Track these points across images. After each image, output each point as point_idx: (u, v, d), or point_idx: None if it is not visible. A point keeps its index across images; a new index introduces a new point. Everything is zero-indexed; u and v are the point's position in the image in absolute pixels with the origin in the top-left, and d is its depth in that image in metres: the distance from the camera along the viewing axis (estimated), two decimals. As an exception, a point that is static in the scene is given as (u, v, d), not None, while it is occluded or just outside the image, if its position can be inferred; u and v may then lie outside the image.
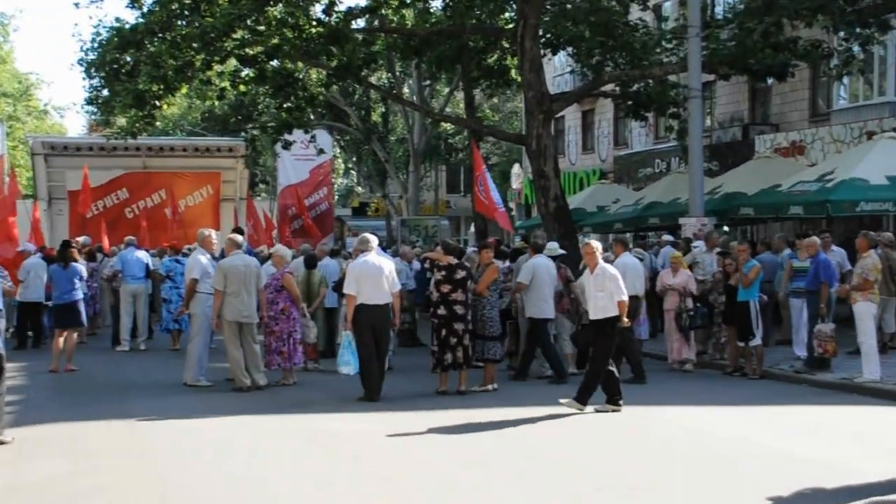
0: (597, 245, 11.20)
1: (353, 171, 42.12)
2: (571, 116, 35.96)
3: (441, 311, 12.17)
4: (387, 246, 27.21)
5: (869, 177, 16.43)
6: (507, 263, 14.56)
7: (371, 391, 11.79)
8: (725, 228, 19.15)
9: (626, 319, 10.90)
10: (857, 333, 12.68)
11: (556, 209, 19.62)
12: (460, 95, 29.18)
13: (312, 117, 30.72)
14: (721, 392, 12.60)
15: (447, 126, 35.43)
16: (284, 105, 23.35)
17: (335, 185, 40.28)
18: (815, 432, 9.87)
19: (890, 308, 14.20)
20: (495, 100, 42.16)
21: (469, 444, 9.31)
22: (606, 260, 11.87)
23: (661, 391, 12.81)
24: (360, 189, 47.20)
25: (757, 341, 13.66)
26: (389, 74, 32.23)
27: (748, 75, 21.41)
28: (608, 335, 10.88)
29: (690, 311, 14.51)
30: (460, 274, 12.21)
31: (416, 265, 17.91)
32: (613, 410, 10.87)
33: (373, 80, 30.03)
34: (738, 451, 8.92)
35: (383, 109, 34.63)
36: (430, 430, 9.88)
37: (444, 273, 12.23)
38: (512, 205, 39.93)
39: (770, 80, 25.28)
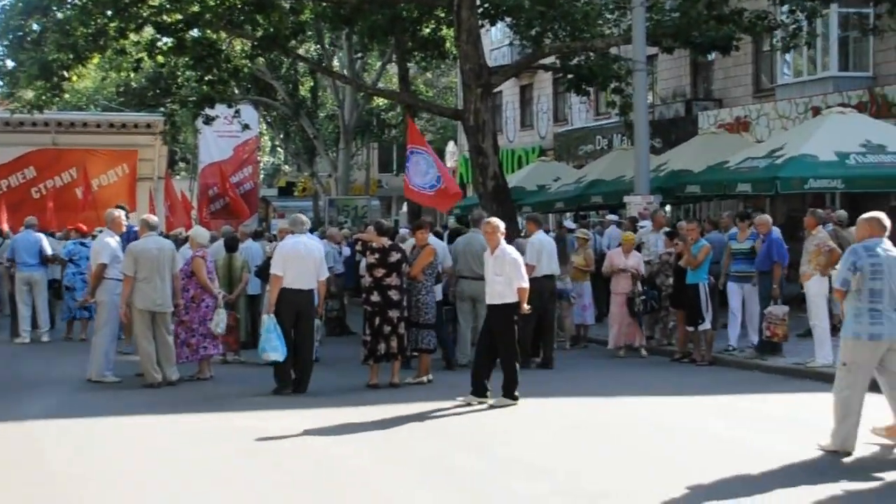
0: (498, 223, 10.65)
1: (279, 149, 41.19)
2: (509, 92, 35.62)
3: (374, 297, 11.61)
4: (314, 228, 26.63)
5: (818, 153, 16.29)
6: (444, 244, 14.11)
7: (285, 383, 11.33)
8: (668, 207, 18.91)
9: (525, 307, 10.38)
10: (809, 315, 12.40)
11: (495, 188, 19.18)
12: (394, 70, 28.55)
13: (237, 91, 29.93)
14: (672, 380, 12.24)
15: (380, 101, 34.78)
16: (206, 78, 22.51)
17: (261, 164, 39.41)
18: (777, 422, 9.50)
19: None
20: (430, 74, 41.61)
21: (400, 444, 8.80)
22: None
23: (608, 380, 12.40)
24: (287, 168, 46.30)
25: (706, 326, 13.32)
26: (318, 46, 31.47)
27: (692, 48, 21.17)
28: (509, 322, 10.39)
29: (642, 294, 14.12)
30: (395, 257, 11.66)
31: (346, 249, 17.30)
32: (479, 402, 10.34)
33: (301, 52, 29.20)
34: (698, 445, 8.52)
35: (312, 83, 33.84)
36: (358, 429, 9.37)
37: (377, 256, 11.66)
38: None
39: (713, 55, 25.28)
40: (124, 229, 13.13)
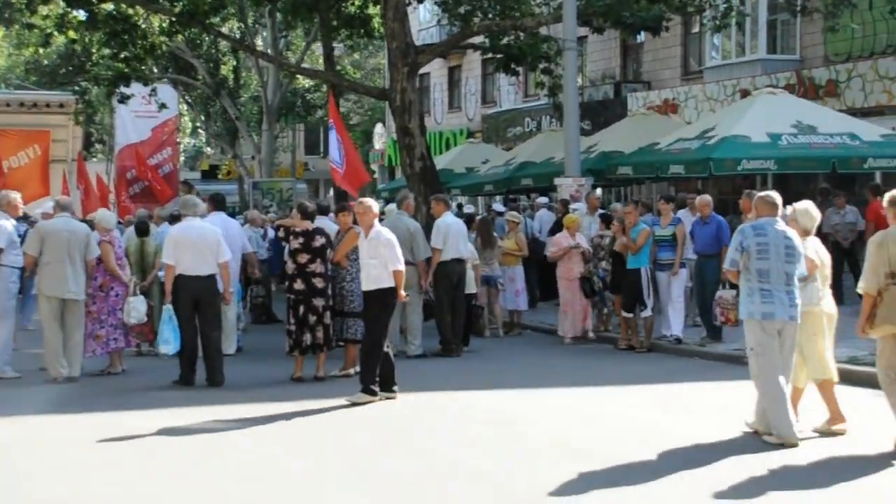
0: (371, 203, 9.98)
1: (201, 131, 40.07)
2: (437, 73, 35.20)
3: (298, 284, 10.99)
4: (239, 211, 25.88)
5: (750, 134, 15.97)
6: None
7: (186, 376, 10.75)
8: (598, 190, 18.61)
9: (402, 294, 9.79)
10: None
11: (423, 169, 18.67)
12: (320, 50, 27.78)
13: (156, 70, 28.85)
14: (610, 369, 11.83)
15: (304, 81, 33.96)
16: (121, 55, 21.51)
17: (182, 146, 38.30)
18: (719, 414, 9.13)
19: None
20: (357, 56, 40.85)
21: (322, 444, 8.21)
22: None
23: (544, 369, 11.96)
24: (209, 150, 45.16)
25: (648, 312, 12.93)
26: (241, 24, 30.51)
27: (622, 29, 20.90)
28: (384, 308, 9.74)
29: (595, 272, 13.80)
30: (319, 241, 11.04)
31: (271, 232, 16.61)
32: (387, 398, 9.72)
33: (224, 30, 28.22)
34: (626, 435, 8.10)
35: (234, 62, 32.85)
36: (277, 427, 8.78)
37: (300, 241, 11.03)
38: (374, 167, 39.33)
39: (642, 37, 25.14)
40: (21, 212, 12.24)
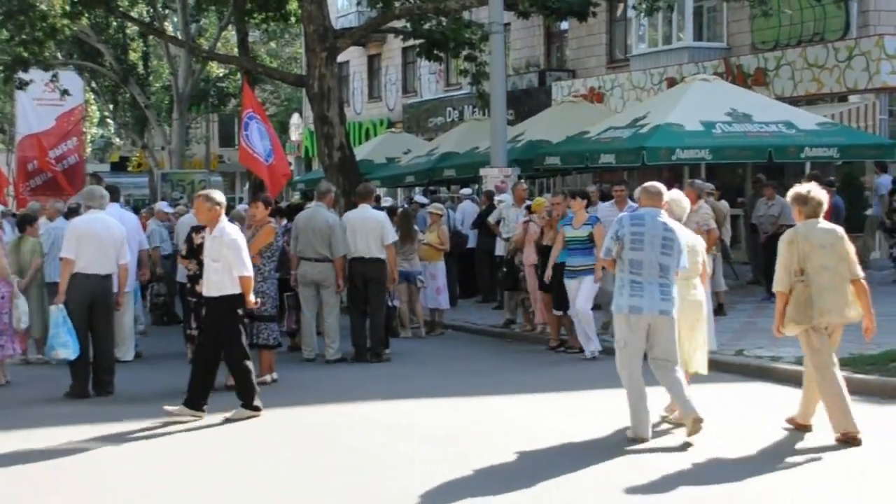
0: (215, 196, 8.58)
1: (109, 121, 38.46)
2: (357, 62, 34.50)
3: (199, 286, 9.78)
4: (146, 204, 24.52)
5: (684, 122, 15.39)
6: (285, 223, 12.64)
7: (80, 386, 9.65)
8: (523, 183, 17.86)
9: (251, 299, 8.47)
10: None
11: (342, 160, 17.81)
12: (234, 38, 26.56)
13: (60, 56, 27.33)
14: (543, 372, 10.89)
15: (217, 69, 32.66)
16: (18, 37, 20.03)
17: (89, 136, 36.68)
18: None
19: (718, 266, 12.93)
20: (274, 44, 39.69)
21: (228, 463, 7.15)
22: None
23: (469, 374, 10.98)
24: (118, 141, 43.44)
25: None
26: (150, 8, 29.11)
27: (548, 14, 20.22)
28: (231, 318, 8.49)
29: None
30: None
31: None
32: (193, 416, 8.47)
33: (131, 14, 26.71)
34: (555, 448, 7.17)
35: (143, 48, 31.37)
36: (176, 443, 7.78)
37: (203, 235, 9.86)
38: (291, 158, 38.10)
39: (567, 24, 24.50)
40: None
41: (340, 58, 22.14)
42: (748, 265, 16.82)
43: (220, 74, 33.61)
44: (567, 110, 20.22)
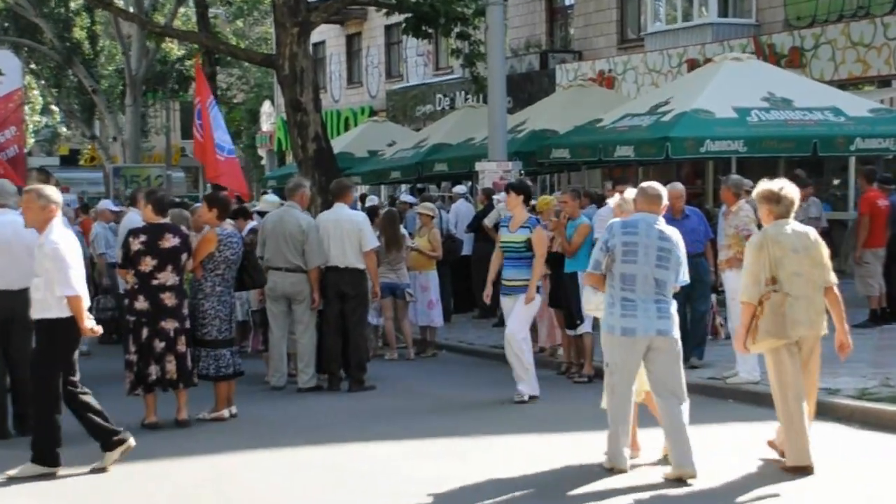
0: (45, 191, 7.60)
1: (54, 107, 37.75)
2: (334, 42, 34.21)
3: (140, 302, 9.01)
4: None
5: (714, 109, 14.60)
6: (252, 223, 11.96)
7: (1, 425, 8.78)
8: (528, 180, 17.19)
9: (87, 326, 7.49)
10: (729, 316, 10.51)
11: (317, 152, 17.08)
12: (195, 18, 25.78)
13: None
14: (561, 406, 9.93)
15: (176, 48, 31.83)
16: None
17: (31, 125, 35.84)
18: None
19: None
20: (240, 23, 38.99)
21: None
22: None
23: (498, 413, 10.01)
24: (66, 131, 42.69)
25: (586, 328, 11.03)
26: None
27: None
28: (49, 348, 7.47)
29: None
30: (170, 241, 9.03)
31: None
32: (109, 460, 7.61)
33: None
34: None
35: (89, 22, 30.54)
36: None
37: (143, 240, 8.96)
38: (262, 151, 38.13)
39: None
40: None
41: (315, 37, 21.50)
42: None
43: (181, 55, 32.82)
44: (576, 96, 19.49)
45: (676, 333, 7.10)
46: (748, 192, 11.40)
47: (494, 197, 14.64)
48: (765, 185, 7.26)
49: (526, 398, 9.87)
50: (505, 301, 10.11)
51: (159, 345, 9.02)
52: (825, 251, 7.18)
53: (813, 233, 7.23)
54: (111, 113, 30.55)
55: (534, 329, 11.65)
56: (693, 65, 20.60)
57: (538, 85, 24.50)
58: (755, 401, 9.76)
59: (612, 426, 7.20)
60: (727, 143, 14.23)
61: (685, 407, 7.09)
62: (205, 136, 14.76)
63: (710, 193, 20.08)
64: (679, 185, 11.10)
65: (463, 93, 26.46)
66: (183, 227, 9.47)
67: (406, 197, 18.36)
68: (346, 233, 10.89)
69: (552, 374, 11.46)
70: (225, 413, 9.40)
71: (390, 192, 26.09)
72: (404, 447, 8.47)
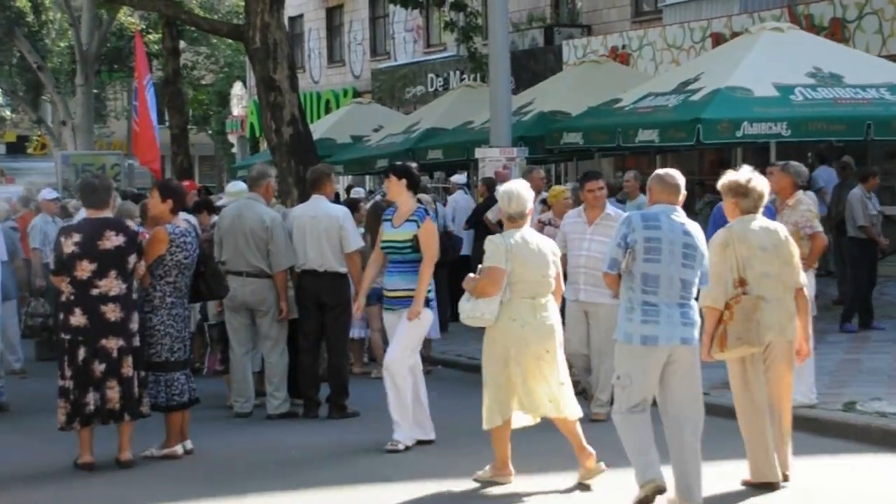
0: None
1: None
2: (312, 16, 34.34)
3: (76, 316, 8.09)
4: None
5: (751, 85, 13.94)
6: (216, 218, 11.19)
7: None
8: (540, 170, 16.64)
9: None
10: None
11: (294, 137, 16.05)
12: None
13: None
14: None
15: (134, 21, 31.21)
16: None
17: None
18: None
19: (813, 284, 11.14)
20: (208, -7, 38.81)
21: None
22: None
23: (453, 447, 9.07)
24: (10, 115, 42.24)
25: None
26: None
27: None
28: None
29: None
30: (113, 240, 8.12)
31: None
32: None
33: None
34: None
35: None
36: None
37: (77, 239, 8.09)
38: (233, 138, 38.04)
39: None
40: None
41: (292, 10, 21.11)
42: (823, 276, 15.35)
43: (140, 27, 32.44)
44: (589, 74, 18.94)
45: (697, 342, 6.92)
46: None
47: (498, 188, 13.86)
48: (731, 175, 7.23)
49: (400, 447, 8.61)
50: (388, 318, 8.77)
51: (99, 367, 8.10)
52: (795, 250, 7.25)
53: (783, 229, 7.28)
54: (60, 94, 30.07)
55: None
56: (718, 40, 20.17)
57: (542, 63, 24.27)
58: (816, 429, 9.05)
59: (628, 447, 6.91)
60: (768, 125, 13.56)
61: (700, 430, 6.90)
62: (141, 118, 14.02)
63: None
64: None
65: (458, 72, 26.35)
66: (130, 223, 8.54)
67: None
68: (326, 230, 10.01)
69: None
70: (178, 449, 8.48)
71: (377, 183, 25.64)
72: (394, 492, 7.64)
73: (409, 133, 20.48)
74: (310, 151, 16.35)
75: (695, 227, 6.98)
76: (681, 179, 7.03)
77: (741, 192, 7.12)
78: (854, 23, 18.72)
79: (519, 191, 7.68)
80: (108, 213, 8.33)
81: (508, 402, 7.54)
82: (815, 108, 13.77)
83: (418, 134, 20.06)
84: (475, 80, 22.71)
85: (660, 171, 7.12)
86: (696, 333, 6.87)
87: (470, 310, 7.49)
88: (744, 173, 7.24)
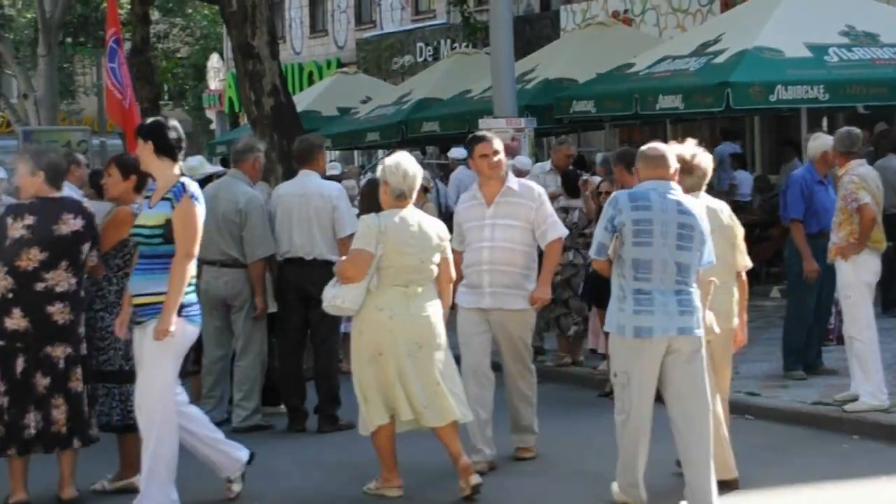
0: None
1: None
2: None
3: (12, 319, 6.88)
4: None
5: (782, 46, 13.17)
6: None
7: None
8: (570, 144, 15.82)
9: None
10: (845, 321, 8.82)
11: (276, 108, 15.17)
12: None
13: None
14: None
15: None
16: None
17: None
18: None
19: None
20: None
21: None
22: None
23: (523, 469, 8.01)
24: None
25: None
26: None
27: None
28: None
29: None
30: (70, 223, 6.97)
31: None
32: None
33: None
34: None
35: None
36: None
37: (30, 222, 6.94)
38: (211, 113, 37.18)
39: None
40: None
41: None
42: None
43: None
44: (594, 37, 18.14)
45: (701, 331, 6.43)
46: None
47: (510, 162, 12.80)
48: (671, 148, 6.71)
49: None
50: (135, 335, 6.85)
51: (42, 381, 6.87)
52: (740, 231, 7.00)
53: (727, 208, 6.99)
54: (20, 65, 29.32)
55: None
56: (727, 2, 19.22)
57: (538, 31, 23.51)
58: (890, 437, 8.00)
59: (622, 451, 6.52)
60: (804, 88, 12.77)
61: (707, 430, 6.44)
62: (121, 87, 13.11)
63: (761, 157, 18.51)
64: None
65: (449, 41, 25.80)
66: (87, 203, 7.41)
67: (391, 164, 16.77)
68: (317, 212, 8.89)
69: (591, 396, 9.76)
70: (136, 481, 7.05)
71: (365, 160, 25.17)
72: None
73: (401, 104, 19.73)
74: (294, 124, 15.49)
75: (694, 204, 6.51)
76: (667, 150, 6.56)
77: (685, 168, 6.64)
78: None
79: (414, 168, 6.99)
80: (58, 193, 7.12)
81: (380, 404, 6.88)
82: (852, 69, 13.06)
83: (411, 105, 19.30)
84: (468, 48, 22.05)
85: (645, 146, 6.66)
86: (697, 322, 6.42)
87: (331, 297, 6.90)
88: (688, 148, 6.79)
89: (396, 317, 6.78)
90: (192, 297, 6.67)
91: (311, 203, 8.91)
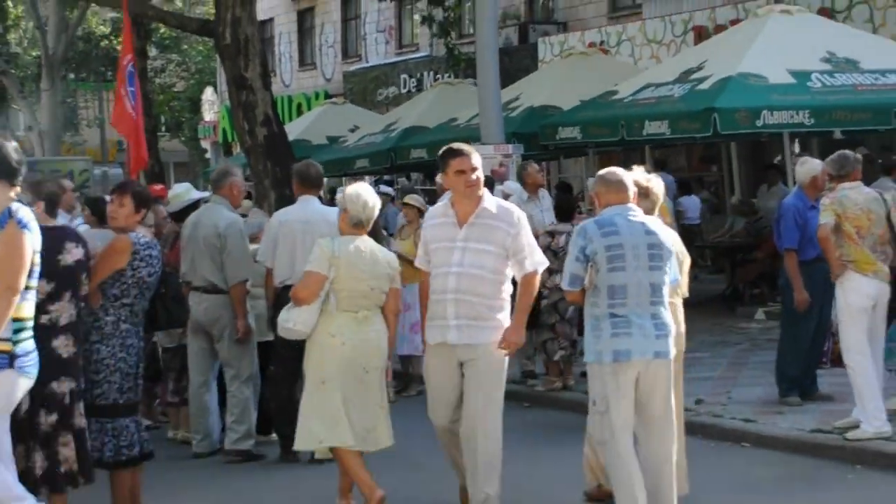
0: None
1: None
2: (284, 20, 33.42)
3: None
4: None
5: (766, 73, 12.33)
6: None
7: None
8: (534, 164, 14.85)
9: None
10: (843, 348, 7.94)
11: (268, 138, 14.48)
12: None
13: None
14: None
15: (103, 26, 29.60)
16: None
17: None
18: None
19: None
20: (179, 2, 37.43)
21: None
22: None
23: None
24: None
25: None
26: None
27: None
28: None
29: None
30: (73, 253, 6.03)
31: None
32: None
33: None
34: None
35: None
36: None
37: (41, 251, 5.91)
38: (206, 144, 36.52)
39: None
40: None
41: (263, 14, 19.68)
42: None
43: (106, 31, 30.87)
44: (575, 67, 17.22)
45: (673, 352, 6.05)
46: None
47: (497, 187, 11.93)
48: (626, 173, 6.35)
49: None
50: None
51: (48, 419, 5.93)
52: (687, 259, 6.71)
53: (672, 232, 6.52)
54: (25, 99, 28.57)
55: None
56: (701, 33, 18.65)
57: (517, 62, 22.66)
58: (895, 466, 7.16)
59: (615, 482, 5.95)
60: (790, 113, 11.86)
61: (672, 454, 6.05)
62: (137, 113, 12.38)
63: (733, 181, 17.78)
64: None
65: (431, 73, 25.39)
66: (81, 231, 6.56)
67: (384, 188, 16.19)
68: (323, 238, 8.01)
69: (583, 421, 8.66)
70: None
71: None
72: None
73: (389, 132, 18.81)
74: (286, 152, 14.76)
75: (657, 224, 6.16)
76: (624, 175, 6.19)
77: (642, 192, 6.35)
78: (844, 13, 16.95)
79: (374, 199, 6.71)
80: (53, 220, 6.22)
81: (321, 426, 6.47)
82: (835, 95, 12.16)
83: (399, 133, 18.40)
84: (452, 78, 21.38)
85: (600, 171, 6.32)
86: (671, 345, 6.03)
87: (283, 319, 6.55)
88: (641, 173, 6.50)
89: (348, 342, 6.40)
90: (28, 345, 5.21)
91: (317, 228, 7.83)
